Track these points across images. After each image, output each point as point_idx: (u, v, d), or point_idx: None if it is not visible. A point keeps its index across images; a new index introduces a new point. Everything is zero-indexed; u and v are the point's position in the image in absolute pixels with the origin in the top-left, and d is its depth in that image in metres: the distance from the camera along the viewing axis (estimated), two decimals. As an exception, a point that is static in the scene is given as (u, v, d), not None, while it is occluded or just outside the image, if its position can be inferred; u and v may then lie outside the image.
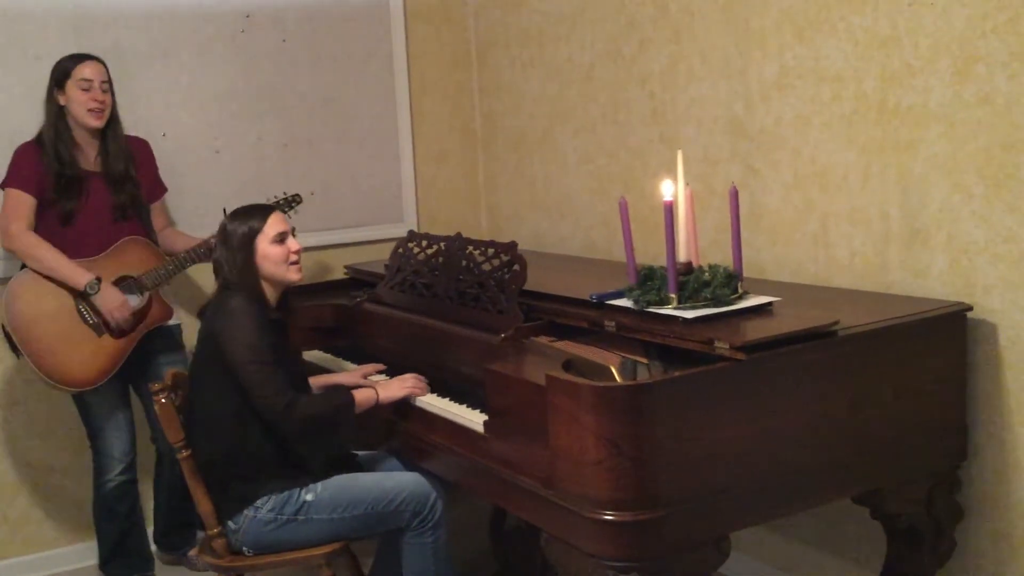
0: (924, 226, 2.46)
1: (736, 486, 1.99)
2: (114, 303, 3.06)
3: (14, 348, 3.03)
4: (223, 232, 2.61)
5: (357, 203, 3.93)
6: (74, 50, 3.32)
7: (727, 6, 2.94)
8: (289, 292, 2.70)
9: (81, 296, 3.07)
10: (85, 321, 3.08)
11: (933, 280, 2.45)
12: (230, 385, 2.49)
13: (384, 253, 3.37)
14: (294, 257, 2.61)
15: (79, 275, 3.03)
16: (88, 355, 3.06)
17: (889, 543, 2.51)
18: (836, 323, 2.12)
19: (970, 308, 2.33)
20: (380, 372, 2.87)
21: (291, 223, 2.70)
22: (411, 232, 3.18)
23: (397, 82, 4.06)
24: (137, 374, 3.22)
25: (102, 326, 3.09)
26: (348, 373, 2.89)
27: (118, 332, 3.12)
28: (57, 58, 3.35)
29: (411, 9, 4.07)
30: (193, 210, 3.64)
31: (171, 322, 3.30)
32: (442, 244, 2.97)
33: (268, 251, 2.58)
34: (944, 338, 2.30)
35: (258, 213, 2.62)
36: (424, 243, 3.06)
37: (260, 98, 3.78)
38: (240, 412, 2.49)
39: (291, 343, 2.77)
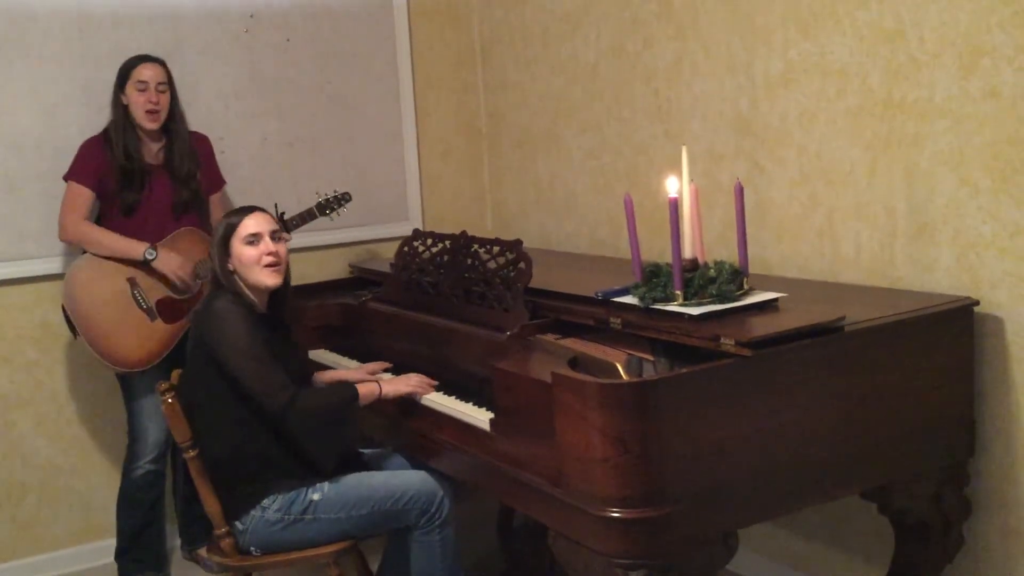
0: (930, 221, 2.45)
1: (743, 482, 1.99)
2: (174, 263, 3.20)
3: (72, 329, 3.16)
4: (215, 228, 2.60)
5: (362, 202, 3.92)
6: (79, 51, 3.33)
7: (731, 1, 2.93)
8: (281, 291, 2.62)
9: (134, 282, 3.17)
10: (139, 306, 3.19)
11: (940, 275, 2.44)
12: (227, 388, 2.47)
13: (389, 252, 3.38)
14: (268, 259, 2.52)
15: (136, 246, 3.17)
16: (140, 338, 3.18)
17: (897, 539, 2.50)
18: (843, 319, 2.11)
19: (977, 303, 2.32)
20: (386, 371, 2.88)
21: (274, 226, 2.58)
22: (416, 231, 3.17)
23: (401, 80, 4.06)
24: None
25: (155, 311, 3.20)
26: (353, 371, 2.89)
27: (170, 315, 3.20)
28: (61, 60, 3.36)
29: (415, 7, 4.07)
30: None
31: None
32: (447, 242, 2.97)
33: (240, 252, 2.53)
34: (951, 333, 2.30)
35: (239, 212, 2.60)
36: (429, 241, 3.06)
37: (264, 97, 3.78)
38: (241, 413, 2.48)
39: (290, 338, 2.73)
